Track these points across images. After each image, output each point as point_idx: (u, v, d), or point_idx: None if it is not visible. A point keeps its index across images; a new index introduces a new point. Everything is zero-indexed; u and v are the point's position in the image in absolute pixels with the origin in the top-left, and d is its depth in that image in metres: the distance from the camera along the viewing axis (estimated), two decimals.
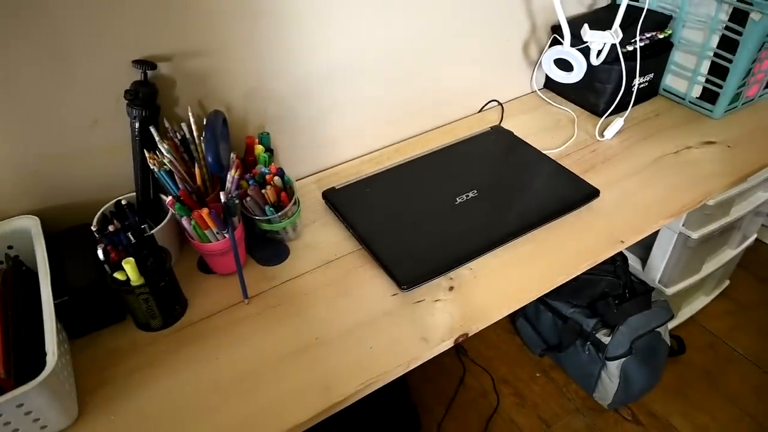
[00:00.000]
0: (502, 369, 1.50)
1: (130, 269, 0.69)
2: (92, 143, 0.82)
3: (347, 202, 0.95)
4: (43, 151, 0.79)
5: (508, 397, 1.43)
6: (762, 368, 1.47)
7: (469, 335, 0.76)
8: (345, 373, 0.70)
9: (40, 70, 0.73)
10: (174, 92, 0.84)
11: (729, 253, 1.45)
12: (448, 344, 0.74)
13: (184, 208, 0.75)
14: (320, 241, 0.91)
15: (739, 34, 1.03)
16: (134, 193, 0.85)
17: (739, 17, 1.03)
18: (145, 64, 0.76)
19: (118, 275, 0.70)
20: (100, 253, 0.69)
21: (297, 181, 1.05)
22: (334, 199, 0.96)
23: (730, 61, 1.07)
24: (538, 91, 1.28)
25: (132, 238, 0.73)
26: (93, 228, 0.73)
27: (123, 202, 0.80)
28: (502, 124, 1.16)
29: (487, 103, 1.23)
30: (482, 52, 1.15)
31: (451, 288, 0.81)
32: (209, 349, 0.75)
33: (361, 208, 0.93)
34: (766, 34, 1.02)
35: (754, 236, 1.52)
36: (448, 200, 0.93)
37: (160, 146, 0.78)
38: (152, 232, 0.75)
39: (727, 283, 1.68)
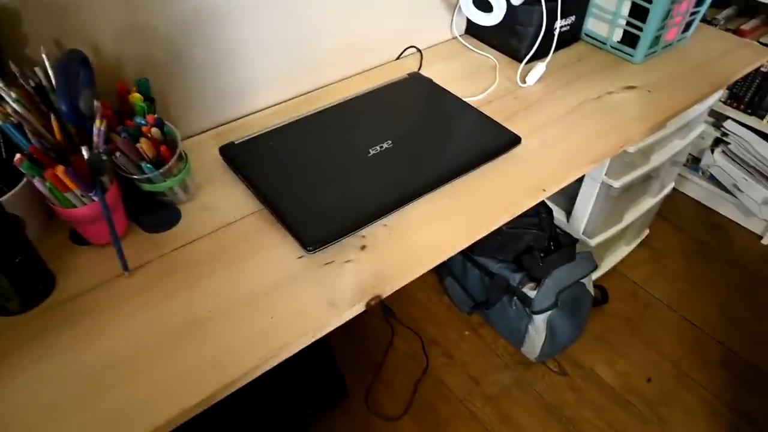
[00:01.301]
0: (431, 330, 1.46)
1: None
2: None
3: (248, 159, 0.84)
4: None
5: (438, 357, 1.40)
6: (678, 312, 1.52)
7: (383, 297, 0.69)
8: (242, 348, 0.62)
9: None
10: (21, 29, 0.70)
11: (649, 202, 1.47)
12: (359, 308, 0.67)
13: (35, 167, 0.62)
14: (218, 202, 0.81)
15: None
16: None
17: None
18: None
19: None
20: None
21: (194, 136, 0.93)
22: (232, 154, 0.85)
23: (650, 2, 1.03)
24: (459, 37, 1.20)
25: None
26: None
27: None
28: (421, 72, 1.08)
29: (405, 50, 1.15)
30: None
31: (363, 247, 0.74)
32: (83, 331, 0.64)
33: (264, 164, 0.83)
34: None
35: (672, 185, 1.55)
36: (360, 153, 0.85)
37: (3, 94, 0.64)
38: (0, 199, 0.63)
39: (646, 232, 1.72)
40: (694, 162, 1.85)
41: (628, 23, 1.10)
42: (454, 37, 1.21)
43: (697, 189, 1.88)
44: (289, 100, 1.02)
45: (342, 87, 1.06)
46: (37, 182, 0.62)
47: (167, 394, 0.58)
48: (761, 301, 1.56)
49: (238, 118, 0.98)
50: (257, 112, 0.99)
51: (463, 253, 1.38)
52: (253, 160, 0.84)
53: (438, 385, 1.34)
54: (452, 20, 1.19)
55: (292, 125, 0.91)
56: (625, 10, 1.10)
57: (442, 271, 1.52)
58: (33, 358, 0.61)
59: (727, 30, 1.60)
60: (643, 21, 1.07)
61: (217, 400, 0.60)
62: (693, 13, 1.15)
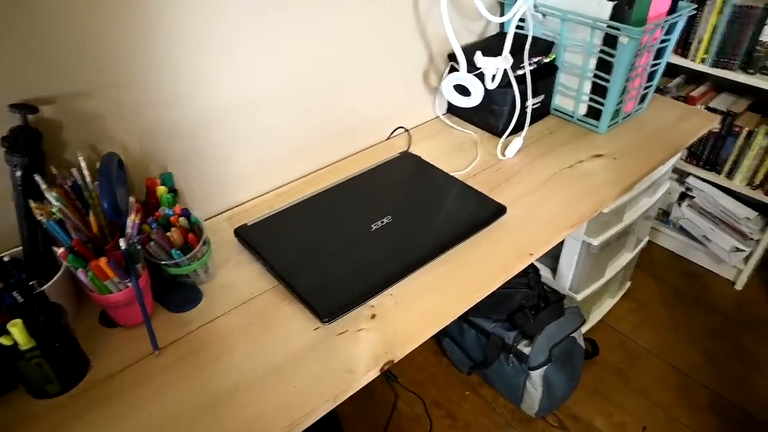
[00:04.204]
0: (432, 391, 1.50)
1: (17, 332, 0.62)
2: None
3: (261, 238, 0.92)
4: None
5: (440, 419, 1.43)
6: (665, 359, 1.59)
7: (395, 362, 0.75)
8: (269, 417, 0.67)
9: None
10: (61, 136, 0.78)
11: (627, 256, 1.57)
12: (375, 373, 0.73)
13: (79, 259, 0.69)
14: (235, 280, 0.87)
15: (612, 56, 1.14)
16: (21, 248, 0.77)
17: (610, 41, 1.13)
18: (24, 107, 0.70)
19: (3, 340, 0.63)
20: None
21: (207, 219, 1.01)
22: (246, 235, 0.93)
23: (608, 81, 1.17)
24: (441, 116, 1.33)
25: (19, 296, 0.66)
26: None
27: (6, 259, 0.72)
28: (410, 150, 1.19)
29: (394, 130, 1.26)
30: (386, 81, 1.18)
31: (373, 316, 0.81)
32: (118, 408, 0.68)
33: (276, 243, 0.91)
34: (635, 55, 1.13)
35: (647, 238, 1.65)
36: (363, 228, 0.93)
37: (47, 195, 0.72)
38: (42, 288, 0.69)
39: (628, 284, 1.81)
40: (664, 216, 1.98)
41: (591, 99, 1.24)
42: (437, 117, 1.34)
43: (670, 240, 2.00)
44: (293, 181, 1.11)
45: (339, 167, 1.16)
46: (80, 273, 0.69)
47: None
48: (740, 345, 1.64)
49: (247, 201, 1.06)
50: (263, 194, 1.08)
51: None
52: (266, 240, 0.91)
53: None
54: (435, 102, 1.32)
55: (299, 205, 0.99)
56: (587, 88, 1.24)
57: (439, 332, 1.58)
58: None
59: (678, 97, 1.77)
60: (604, 97, 1.20)
61: None
62: (646, 87, 1.30)
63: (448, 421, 1.43)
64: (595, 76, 1.20)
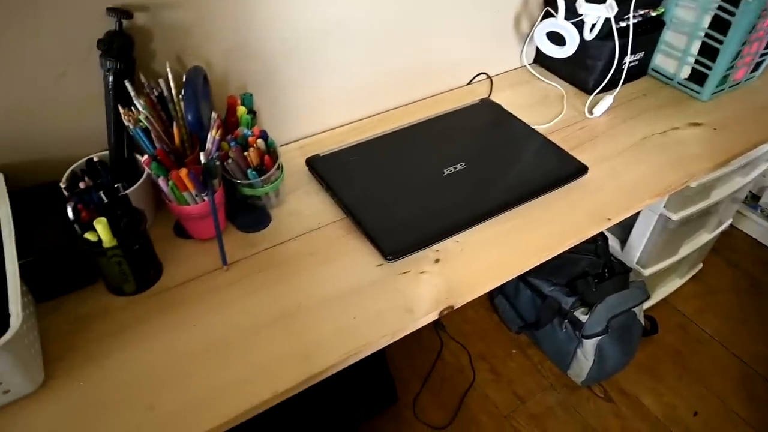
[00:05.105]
0: (479, 345, 1.50)
1: (102, 229, 0.65)
2: (61, 96, 0.76)
3: (332, 170, 0.92)
4: (6, 103, 0.74)
5: (484, 372, 1.44)
6: (728, 349, 1.51)
7: (455, 308, 0.75)
8: (327, 342, 0.68)
9: (1, 15, 0.67)
10: (151, 45, 0.79)
11: (705, 237, 1.48)
12: (433, 316, 0.73)
13: (162, 167, 0.71)
14: (303, 208, 0.88)
15: (732, 14, 1.02)
16: (107, 151, 0.80)
17: None
18: (120, 12, 0.71)
19: (88, 236, 0.66)
20: (69, 212, 0.65)
21: (280, 147, 1.01)
22: (318, 166, 0.92)
23: (721, 42, 1.06)
24: (527, 66, 1.26)
25: (104, 197, 0.68)
26: (62, 185, 0.68)
27: (95, 159, 0.75)
28: (491, 98, 1.14)
29: (476, 76, 1.21)
30: (473, 23, 1.12)
31: (437, 260, 0.80)
32: (185, 315, 0.72)
33: (347, 176, 0.90)
34: (758, 15, 1.01)
35: (729, 221, 1.54)
36: (435, 172, 0.91)
37: (135, 102, 0.74)
38: (127, 191, 0.71)
39: (700, 266, 1.71)
40: (753, 200, 1.83)
41: (697, 61, 1.13)
42: (523, 66, 1.27)
43: (754, 227, 1.86)
44: (367, 118, 1.09)
45: (415, 109, 1.12)
46: (161, 181, 0.71)
47: (260, 379, 0.64)
48: None
49: (319, 133, 1.05)
50: (336, 128, 1.07)
51: None
52: (336, 173, 0.91)
53: (483, 399, 1.38)
54: (522, 50, 1.24)
55: (372, 142, 0.98)
56: (695, 48, 1.13)
57: (493, 288, 1.56)
58: (143, 336, 0.69)
59: None
60: (713, 60, 1.09)
61: (303, 388, 0.66)
62: (763, 54, 1.17)
63: (492, 375, 1.43)
64: (707, 35, 1.09)
